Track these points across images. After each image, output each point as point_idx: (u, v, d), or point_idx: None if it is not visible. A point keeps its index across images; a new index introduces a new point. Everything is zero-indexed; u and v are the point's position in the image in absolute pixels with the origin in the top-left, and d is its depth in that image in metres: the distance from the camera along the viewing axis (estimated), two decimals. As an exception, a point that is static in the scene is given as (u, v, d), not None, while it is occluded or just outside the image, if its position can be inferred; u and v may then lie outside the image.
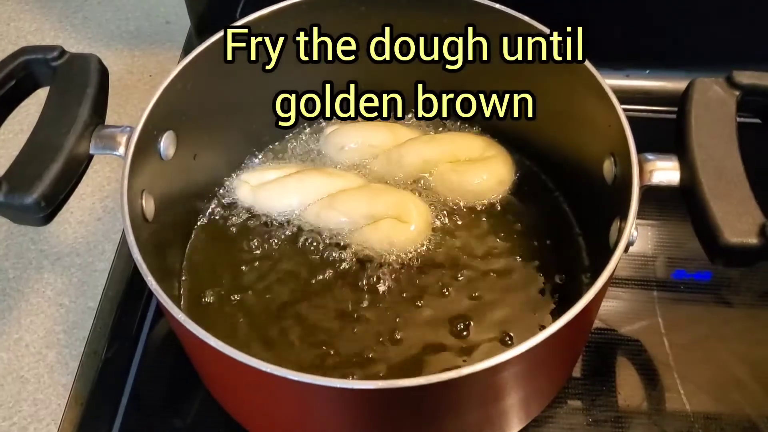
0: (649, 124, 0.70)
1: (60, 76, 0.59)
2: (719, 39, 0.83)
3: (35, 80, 0.61)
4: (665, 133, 0.58)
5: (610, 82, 0.59)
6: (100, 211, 0.84)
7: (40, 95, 0.61)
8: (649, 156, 0.55)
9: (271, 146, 0.77)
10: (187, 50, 0.93)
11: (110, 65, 0.62)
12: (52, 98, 0.59)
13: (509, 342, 0.62)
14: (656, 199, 0.56)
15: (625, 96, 0.59)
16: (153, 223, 0.60)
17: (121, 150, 0.57)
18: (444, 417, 0.53)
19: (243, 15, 0.65)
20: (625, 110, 0.57)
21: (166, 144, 0.62)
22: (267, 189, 0.71)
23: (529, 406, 0.61)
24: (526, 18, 0.63)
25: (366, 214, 0.68)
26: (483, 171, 0.71)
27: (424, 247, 0.68)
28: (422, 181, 0.72)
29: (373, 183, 0.72)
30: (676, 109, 0.58)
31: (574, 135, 0.66)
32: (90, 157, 0.58)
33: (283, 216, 0.71)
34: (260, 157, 0.76)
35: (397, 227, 0.67)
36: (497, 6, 0.64)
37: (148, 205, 0.59)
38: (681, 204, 0.55)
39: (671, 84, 0.86)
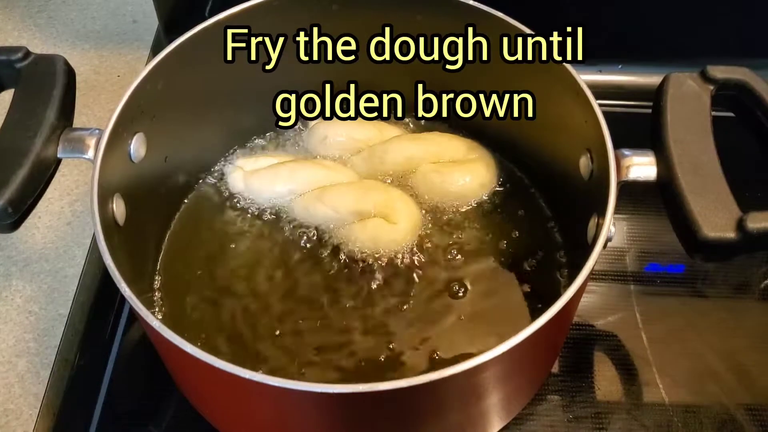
0: (622, 119, 0.70)
1: (25, 78, 0.58)
2: (691, 33, 0.83)
3: (-1, 82, 0.60)
4: (639, 127, 0.58)
5: (583, 77, 0.59)
6: (69, 215, 0.82)
7: (5, 98, 0.59)
8: (626, 152, 0.55)
9: (249, 144, 0.76)
10: (155, 50, 0.92)
11: (76, 66, 0.61)
12: (18, 101, 0.57)
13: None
14: (629, 193, 0.56)
15: (598, 91, 0.59)
16: (124, 227, 0.59)
17: (91, 153, 0.56)
18: (425, 419, 0.52)
19: (212, 13, 0.64)
20: (599, 106, 0.57)
21: (137, 146, 0.61)
22: (258, 175, 0.71)
23: (510, 405, 0.61)
24: (501, 15, 0.63)
25: (354, 210, 0.68)
26: (466, 173, 0.71)
27: (409, 247, 0.68)
28: (404, 180, 0.71)
29: (366, 180, 0.71)
30: (648, 103, 0.58)
31: (549, 131, 0.66)
32: (58, 161, 0.57)
33: (270, 203, 0.70)
34: (237, 153, 0.75)
35: (384, 228, 0.67)
36: (481, 6, 0.64)
37: (119, 209, 0.58)
38: (654, 198, 0.56)
39: (644, 79, 0.87)
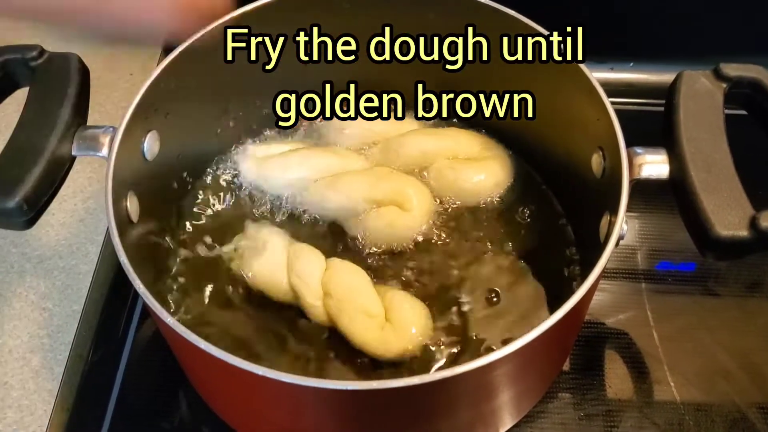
0: (634, 117, 0.70)
1: (40, 76, 0.58)
2: (703, 31, 0.83)
3: (14, 81, 0.60)
4: (651, 125, 0.58)
5: (595, 75, 0.59)
6: (83, 212, 0.83)
7: (19, 96, 0.59)
8: (638, 150, 0.55)
9: (262, 138, 0.76)
10: (167, 48, 0.92)
11: (89, 63, 0.61)
12: (32, 99, 0.57)
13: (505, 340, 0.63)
14: (641, 191, 0.56)
15: (609, 89, 0.59)
16: (138, 224, 0.59)
17: (105, 151, 0.56)
18: (437, 416, 0.52)
19: (223, 13, 0.64)
20: (611, 104, 0.57)
21: (150, 143, 0.61)
22: (270, 163, 0.71)
23: (522, 403, 0.61)
24: (512, 12, 0.63)
25: (367, 197, 0.68)
26: (481, 171, 0.70)
27: (421, 240, 0.68)
28: (419, 175, 0.71)
29: (378, 167, 0.71)
30: (661, 101, 0.58)
31: (562, 129, 0.66)
32: (72, 159, 0.57)
33: (283, 192, 0.70)
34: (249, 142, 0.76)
35: (398, 215, 0.67)
36: (488, 2, 0.64)
37: (133, 206, 0.59)
38: (666, 196, 0.55)
39: (655, 77, 0.87)
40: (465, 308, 0.64)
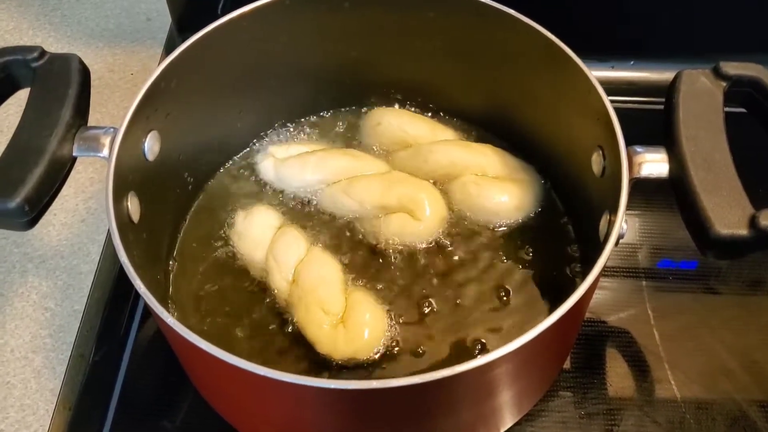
0: (634, 116, 0.70)
1: (41, 78, 0.58)
2: (703, 29, 0.83)
3: (15, 82, 0.60)
4: (650, 123, 0.58)
5: (596, 73, 0.59)
6: (84, 212, 0.83)
7: (20, 96, 0.60)
8: (638, 149, 0.55)
9: (261, 140, 0.76)
10: (168, 48, 0.92)
11: (90, 64, 0.61)
12: (33, 100, 0.58)
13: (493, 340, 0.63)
14: (642, 189, 0.56)
15: (610, 87, 0.58)
16: (139, 224, 0.59)
17: (105, 152, 0.56)
18: (437, 415, 0.52)
19: (225, 11, 0.64)
20: (610, 102, 0.57)
21: (151, 144, 0.61)
22: (288, 164, 0.71)
23: (522, 402, 0.61)
24: (513, 12, 0.63)
25: (379, 204, 0.68)
26: (504, 192, 0.69)
27: (427, 245, 0.68)
28: (442, 186, 0.70)
29: (394, 171, 0.71)
30: (661, 99, 0.58)
31: (562, 128, 0.66)
32: (73, 160, 0.57)
33: (299, 191, 0.71)
34: (256, 146, 0.76)
35: (409, 223, 0.67)
36: (489, 2, 0.64)
37: (134, 206, 0.59)
38: (667, 194, 0.55)
39: (656, 75, 0.87)
40: (466, 305, 0.64)
